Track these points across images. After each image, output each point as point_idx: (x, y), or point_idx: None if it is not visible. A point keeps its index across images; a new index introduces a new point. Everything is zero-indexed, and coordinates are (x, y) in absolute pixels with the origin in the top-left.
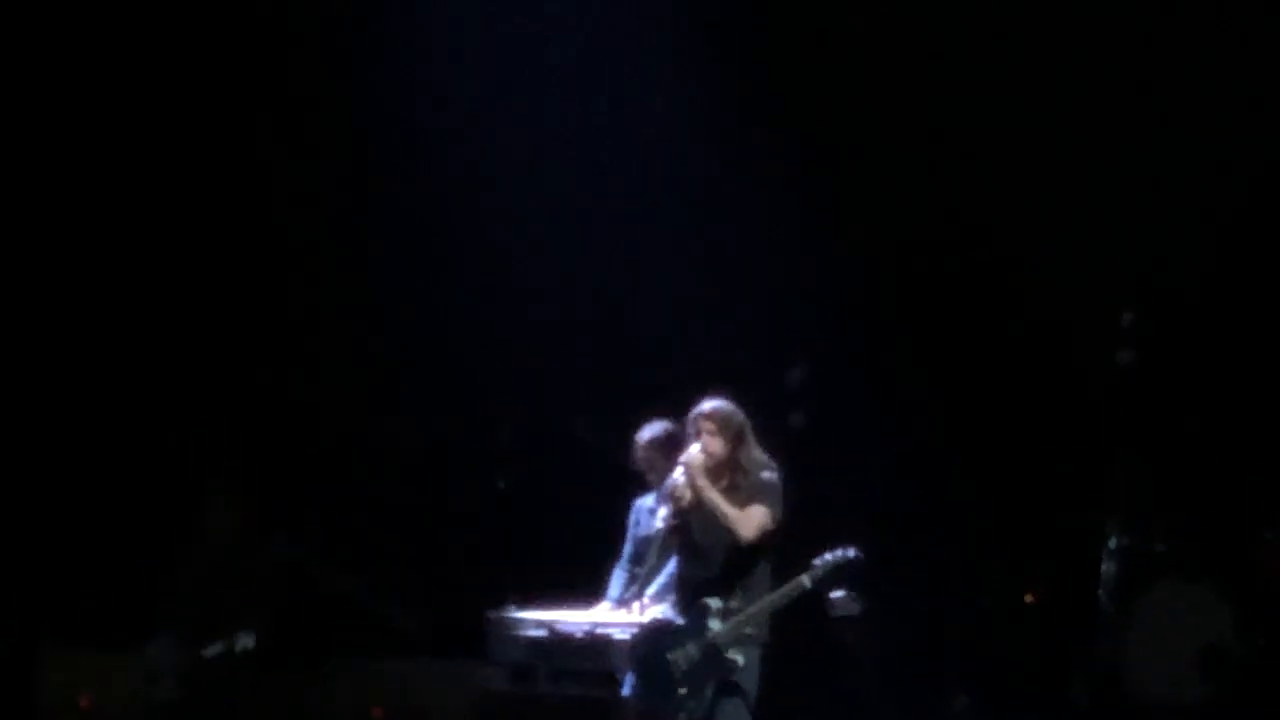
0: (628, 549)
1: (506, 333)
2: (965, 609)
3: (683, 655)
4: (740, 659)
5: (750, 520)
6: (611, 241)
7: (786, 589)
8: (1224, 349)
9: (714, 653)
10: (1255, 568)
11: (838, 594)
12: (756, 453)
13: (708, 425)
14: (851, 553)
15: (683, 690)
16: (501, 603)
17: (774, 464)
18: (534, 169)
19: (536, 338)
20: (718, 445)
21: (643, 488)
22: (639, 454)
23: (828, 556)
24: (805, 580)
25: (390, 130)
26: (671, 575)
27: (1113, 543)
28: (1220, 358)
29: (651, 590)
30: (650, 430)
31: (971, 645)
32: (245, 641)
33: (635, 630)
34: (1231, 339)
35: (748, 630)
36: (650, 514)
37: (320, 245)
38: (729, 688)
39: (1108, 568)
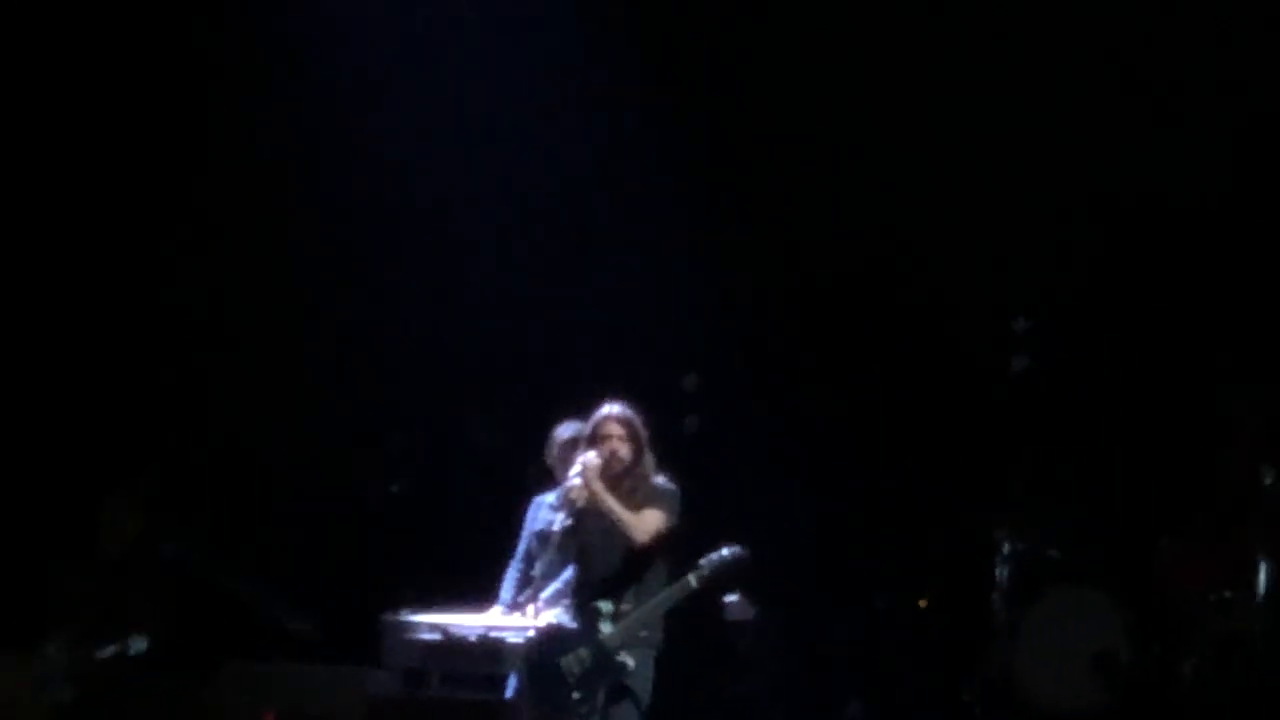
0: (521, 546)
1: (400, 336)
2: (858, 614)
3: (575, 660)
4: (631, 661)
5: (645, 525)
6: (506, 246)
7: (673, 590)
8: (1122, 354)
9: (605, 656)
10: (1150, 575)
11: (731, 598)
12: (652, 459)
13: (618, 430)
14: (738, 551)
15: (576, 695)
16: (395, 606)
17: (665, 471)
18: (431, 172)
19: (430, 341)
20: (626, 451)
21: (542, 486)
22: (553, 451)
23: (713, 556)
24: (691, 580)
25: (287, 129)
26: (566, 579)
27: (1006, 548)
28: (1118, 363)
29: (546, 594)
30: (568, 429)
31: (864, 650)
32: (138, 644)
33: (529, 634)
34: (1129, 343)
35: (641, 633)
36: (550, 509)
37: (214, 248)
38: (621, 691)
39: (1001, 573)
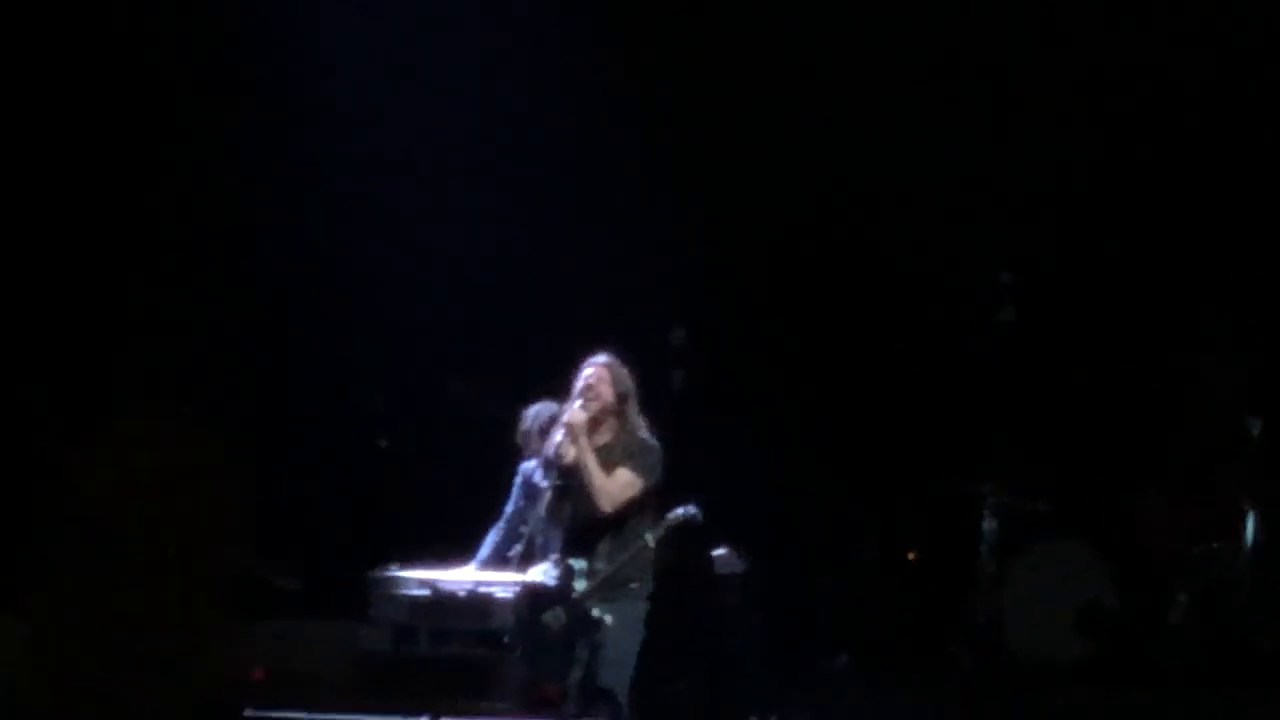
0: (509, 508)
1: (386, 291)
2: (847, 567)
3: (553, 617)
4: (609, 618)
5: (612, 490)
6: (491, 203)
7: (634, 549)
8: (1104, 306)
9: (582, 613)
10: (1134, 524)
11: (720, 551)
12: (639, 417)
13: (602, 372)
14: (690, 511)
15: (557, 651)
16: (383, 562)
17: (653, 431)
18: (415, 128)
19: (417, 296)
20: (607, 391)
21: (523, 456)
22: (523, 427)
23: (669, 516)
24: (649, 539)
25: (258, 94)
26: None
27: (992, 501)
28: (1100, 315)
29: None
30: (536, 409)
31: (852, 604)
32: None
33: (517, 590)
34: (1113, 295)
35: (631, 585)
36: (537, 471)
37: (191, 204)
38: (604, 646)
39: (988, 526)
